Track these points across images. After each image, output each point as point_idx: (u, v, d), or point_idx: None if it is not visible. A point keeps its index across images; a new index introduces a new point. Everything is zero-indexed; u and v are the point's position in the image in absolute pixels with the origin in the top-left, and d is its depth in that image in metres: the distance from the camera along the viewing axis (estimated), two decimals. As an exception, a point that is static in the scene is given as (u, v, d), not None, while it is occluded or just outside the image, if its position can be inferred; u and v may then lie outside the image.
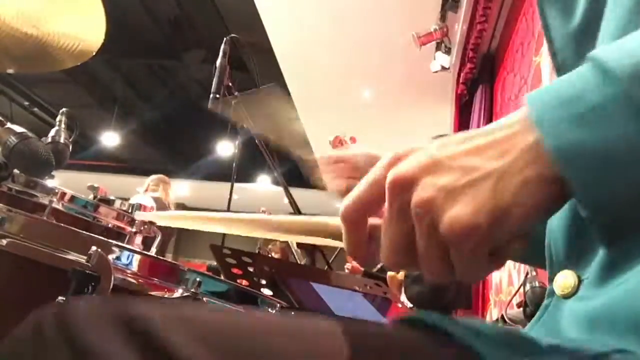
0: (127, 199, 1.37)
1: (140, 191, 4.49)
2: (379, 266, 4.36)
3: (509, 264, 3.68)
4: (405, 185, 0.36)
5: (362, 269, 4.50)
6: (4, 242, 0.65)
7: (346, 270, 4.03)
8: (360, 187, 0.40)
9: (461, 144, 0.37)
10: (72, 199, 1.10)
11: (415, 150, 0.38)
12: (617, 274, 0.43)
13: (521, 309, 1.74)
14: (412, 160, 0.37)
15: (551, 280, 0.52)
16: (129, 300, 0.36)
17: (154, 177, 4.59)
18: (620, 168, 0.32)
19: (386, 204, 0.38)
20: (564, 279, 0.49)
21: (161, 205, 4.04)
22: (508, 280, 3.70)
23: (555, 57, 0.56)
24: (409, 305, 2.83)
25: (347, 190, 0.75)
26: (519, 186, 0.34)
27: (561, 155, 0.32)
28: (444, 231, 0.34)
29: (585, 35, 0.52)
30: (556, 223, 0.53)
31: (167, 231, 1.49)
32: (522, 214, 0.34)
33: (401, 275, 3.29)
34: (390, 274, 3.57)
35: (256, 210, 1.75)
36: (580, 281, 0.48)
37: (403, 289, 2.95)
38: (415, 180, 0.36)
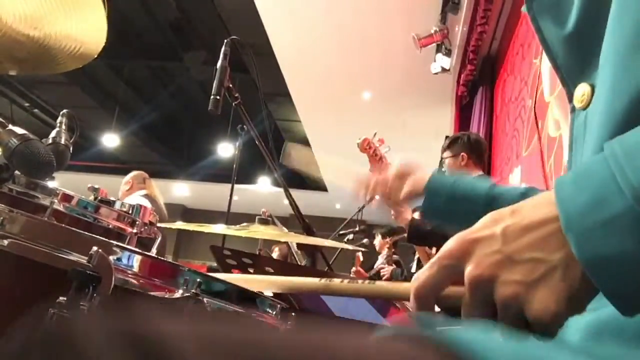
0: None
1: (123, 190, 3.94)
2: (373, 271, 4.36)
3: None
4: (485, 284, 0.43)
5: (367, 274, 4.52)
6: (5, 242, 0.65)
7: (351, 274, 4.04)
8: (432, 271, 0.46)
9: (522, 236, 0.43)
10: (73, 200, 1.10)
11: (472, 237, 0.45)
12: None
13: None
14: (484, 259, 0.44)
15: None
16: (135, 312, 0.35)
17: (135, 174, 4.07)
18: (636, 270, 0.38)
19: (467, 295, 0.44)
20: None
21: (155, 204, 3.75)
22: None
23: (553, 59, 0.59)
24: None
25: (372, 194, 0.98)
26: (582, 274, 0.40)
27: (588, 268, 0.39)
28: (533, 319, 0.41)
29: (579, 39, 0.55)
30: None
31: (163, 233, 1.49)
32: (590, 294, 0.41)
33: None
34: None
35: (257, 211, 1.75)
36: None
37: None
38: (493, 278, 0.43)
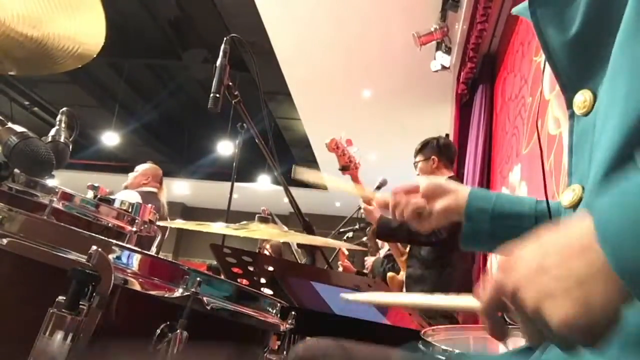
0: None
1: (130, 177, 3.74)
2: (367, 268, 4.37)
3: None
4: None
5: (354, 268, 4.53)
6: (5, 241, 0.64)
7: (339, 269, 4.05)
8: (488, 293, 0.47)
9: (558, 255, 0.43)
10: (73, 198, 1.10)
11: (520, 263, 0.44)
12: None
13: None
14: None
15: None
16: None
17: (151, 167, 3.82)
18: None
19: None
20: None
21: (157, 203, 3.48)
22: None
23: (553, 64, 0.59)
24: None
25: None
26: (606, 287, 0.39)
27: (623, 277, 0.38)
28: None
29: (582, 45, 0.55)
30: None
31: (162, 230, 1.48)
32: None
33: (402, 275, 3.29)
34: (390, 274, 3.58)
35: (257, 209, 1.75)
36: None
37: (404, 289, 2.95)
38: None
